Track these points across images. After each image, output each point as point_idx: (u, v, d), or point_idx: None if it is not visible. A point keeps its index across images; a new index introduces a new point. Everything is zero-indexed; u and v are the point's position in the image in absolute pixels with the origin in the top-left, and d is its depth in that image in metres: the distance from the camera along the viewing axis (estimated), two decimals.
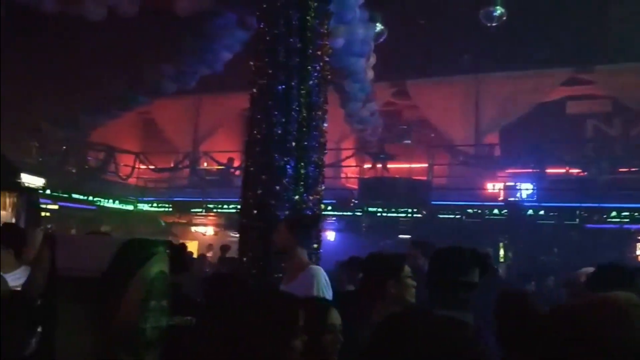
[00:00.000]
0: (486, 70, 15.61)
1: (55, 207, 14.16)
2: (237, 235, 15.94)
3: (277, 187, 5.73)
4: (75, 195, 14.72)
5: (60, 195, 13.98)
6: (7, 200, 7.55)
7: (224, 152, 17.39)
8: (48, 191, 12.81)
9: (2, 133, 12.63)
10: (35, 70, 13.83)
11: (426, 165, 15.34)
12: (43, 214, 10.98)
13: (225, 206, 16.39)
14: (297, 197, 6.13)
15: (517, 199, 14.03)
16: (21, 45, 12.74)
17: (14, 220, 7.50)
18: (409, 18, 14.05)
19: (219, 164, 17.37)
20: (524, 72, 15.15)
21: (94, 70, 13.62)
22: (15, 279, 4.35)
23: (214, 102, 18.25)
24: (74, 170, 15.44)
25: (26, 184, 8.21)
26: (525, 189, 14.17)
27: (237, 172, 16.64)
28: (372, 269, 3.20)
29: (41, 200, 10.93)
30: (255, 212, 5.91)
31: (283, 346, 1.85)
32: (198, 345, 1.99)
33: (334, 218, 14.40)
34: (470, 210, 13.77)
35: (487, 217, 13.62)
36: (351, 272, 5.59)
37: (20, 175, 8.34)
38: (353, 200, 14.13)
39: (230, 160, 17.29)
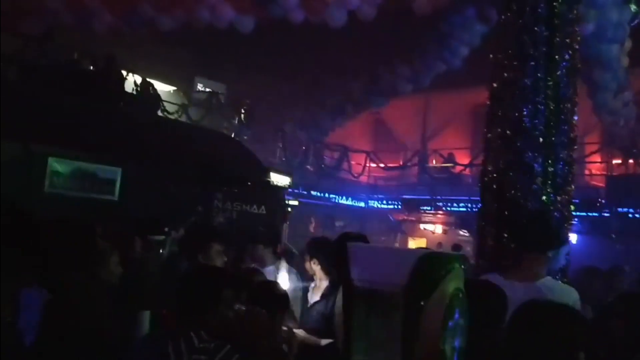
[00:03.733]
0: None
1: (296, 203, 15.25)
2: (467, 234, 15.56)
3: (533, 187, 5.38)
4: (313, 193, 15.72)
5: (301, 192, 15.01)
6: (260, 198, 8.24)
7: (454, 149, 17.13)
8: (290, 189, 13.89)
9: (251, 135, 13.99)
10: (281, 76, 15.05)
11: None
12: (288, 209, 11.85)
13: (455, 204, 16.15)
14: (544, 197, 5.70)
15: None
16: (269, 53, 13.93)
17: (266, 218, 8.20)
18: None
19: (445, 160, 17.20)
20: None
21: (335, 74, 14.36)
22: (270, 272, 4.74)
23: (443, 98, 18.06)
24: (312, 169, 16.47)
25: (275, 183, 8.86)
26: None
27: (467, 170, 16.30)
28: None
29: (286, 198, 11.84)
30: (505, 214, 5.60)
31: None
32: None
33: (576, 219, 13.27)
34: None
35: None
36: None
37: (270, 174, 9.02)
38: (600, 199, 12.90)
39: (451, 155, 17.01)
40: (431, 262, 1.43)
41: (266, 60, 14.58)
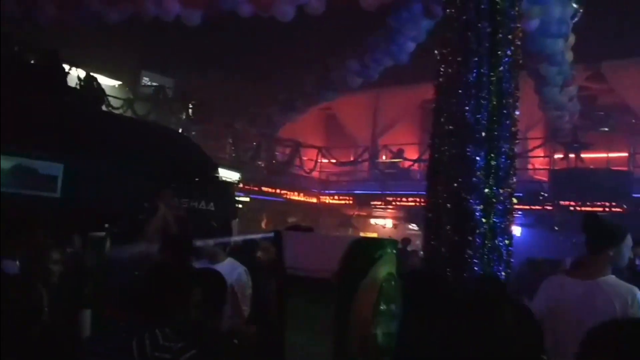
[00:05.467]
0: None
1: (247, 199, 15.18)
2: (416, 228, 15.80)
3: (474, 180, 5.48)
4: (265, 188, 15.66)
5: (252, 188, 14.94)
6: (209, 194, 8.14)
7: (404, 145, 17.36)
8: (240, 185, 13.80)
9: (202, 130, 13.83)
10: (231, 71, 14.90)
11: (627, 154, 13.94)
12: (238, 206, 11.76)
13: (404, 199, 16.37)
14: (487, 190, 5.83)
15: None
16: (218, 47, 13.78)
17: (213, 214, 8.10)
18: None
19: (394, 155, 17.44)
20: None
21: (286, 69, 14.32)
22: (220, 268, 4.70)
23: (394, 94, 18.26)
24: (263, 165, 16.41)
25: (224, 178, 8.78)
26: None
27: (416, 166, 16.56)
28: None
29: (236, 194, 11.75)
30: (447, 206, 5.70)
31: None
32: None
33: (520, 212, 13.64)
34: None
35: None
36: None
37: (218, 169, 8.93)
38: (542, 193, 13.28)
39: (400, 151, 17.25)
40: (362, 247, 1.44)
41: (216, 55, 14.42)
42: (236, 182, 9.19)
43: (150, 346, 2.26)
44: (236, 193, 11.01)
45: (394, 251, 1.51)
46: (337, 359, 1.38)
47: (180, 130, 12.63)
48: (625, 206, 12.48)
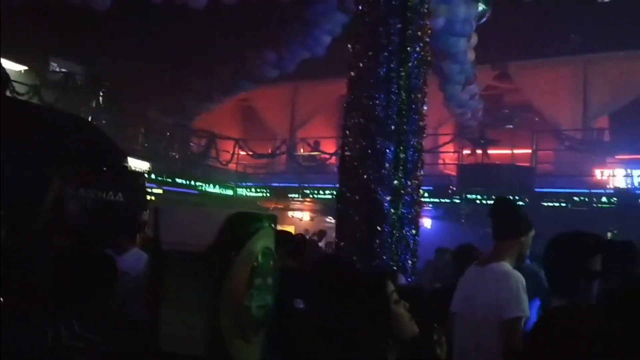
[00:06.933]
0: (595, 50, 14.68)
1: (160, 191, 14.82)
2: (333, 221, 16.02)
3: (383, 172, 5.64)
4: (178, 180, 15.34)
5: (165, 180, 14.60)
6: (117, 184, 7.89)
7: (321, 138, 17.51)
8: (153, 176, 13.45)
9: (112, 119, 13.37)
10: (144, 59, 14.48)
11: (530, 150, 14.71)
12: (149, 197, 11.46)
13: (321, 192, 16.51)
14: (396, 182, 6.01)
15: (628, 186, 13.17)
16: (131, 35, 13.37)
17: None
18: None
19: (312, 148, 17.56)
20: (635, 52, 14.10)
21: (202, 59, 14.08)
22: (127, 259, 4.61)
23: (311, 88, 18.40)
24: (177, 156, 16.07)
25: (134, 169, 8.54)
26: (638, 176, 13.29)
27: (333, 159, 16.75)
28: None
29: (147, 185, 11.44)
30: (357, 198, 5.84)
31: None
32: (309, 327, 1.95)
33: (430, 205, 14.12)
34: (576, 198, 13.09)
35: (594, 205, 12.90)
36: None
37: (127, 159, 8.67)
38: (451, 187, 13.80)
39: (317, 143, 17.40)
40: (239, 220, 1.45)
41: (129, 42, 13.97)
42: (145, 172, 8.93)
43: (67, 335, 2.22)
44: (147, 184, 10.72)
45: (272, 225, 1.54)
46: (212, 333, 1.39)
47: (89, 119, 12.15)
48: (527, 200, 13.15)
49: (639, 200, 12.54)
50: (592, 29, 13.67)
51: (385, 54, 5.99)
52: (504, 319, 2.87)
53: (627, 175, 13.50)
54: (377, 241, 5.55)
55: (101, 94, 13.47)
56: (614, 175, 13.87)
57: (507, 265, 3.03)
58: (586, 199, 13.01)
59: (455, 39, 9.87)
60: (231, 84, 13.80)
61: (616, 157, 14.24)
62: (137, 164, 8.53)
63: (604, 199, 13.00)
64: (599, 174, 14.29)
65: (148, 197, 10.45)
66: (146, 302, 1.69)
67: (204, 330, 1.38)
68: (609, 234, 12.52)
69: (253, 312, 1.43)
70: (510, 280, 2.96)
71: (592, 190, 13.31)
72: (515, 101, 17.17)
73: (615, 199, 12.81)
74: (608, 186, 13.60)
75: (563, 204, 12.93)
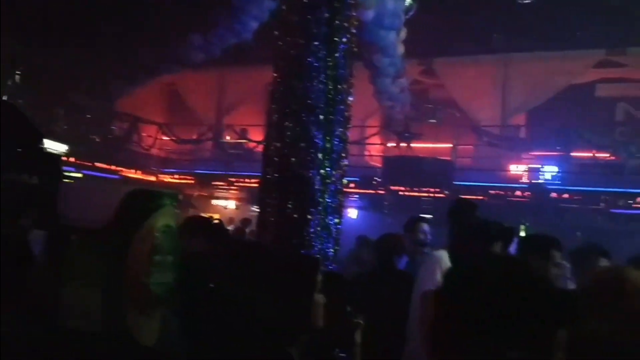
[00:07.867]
0: (516, 50, 15.30)
1: (80, 175, 14.29)
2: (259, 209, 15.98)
3: (314, 160, 5.68)
4: (98, 164, 14.84)
5: (84, 163, 14.09)
6: (31, 166, 7.55)
7: (249, 126, 17.36)
8: (72, 159, 12.95)
9: (28, 99, 12.75)
10: (66, 39, 13.86)
11: (451, 145, 15.18)
12: (67, 181, 11.03)
13: (247, 180, 16.41)
14: (323, 171, 6.04)
15: (541, 181, 13.86)
16: (53, 15, 12.77)
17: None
18: None
19: (239, 136, 17.40)
20: (554, 53, 14.81)
21: (125, 40, 13.63)
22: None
23: (240, 74, 18.16)
24: (98, 140, 15.54)
25: (49, 151, 8.19)
26: (549, 172, 14.00)
27: (260, 147, 16.64)
28: None
29: (65, 168, 11.02)
30: (284, 185, 5.83)
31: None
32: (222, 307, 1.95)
33: (356, 196, 14.35)
34: (493, 192, 13.64)
35: (509, 198, 13.50)
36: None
37: (43, 141, 8.32)
38: (376, 178, 14.05)
39: (244, 131, 17.27)
40: (139, 197, 1.44)
41: (50, 20, 13.31)
42: (62, 154, 8.57)
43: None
44: (65, 167, 10.32)
45: (174, 204, 1.53)
46: (111, 309, 1.37)
47: (4, 98, 11.54)
48: (447, 192, 13.59)
49: (551, 194, 13.21)
50: (514, 30, 14.25)
51: (315, 42, 6.00)
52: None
53: (540, 171, 14.18)
54: (307, 229, 5.58)
55: (18, 72, 12.80)
56: (527, 171, 14.55)
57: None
58: (502, 193, 13.59)
59: (385, 32, 10.00)
60: (155, 67, 13.45)
61: (531, 153, 14.94)
62: (54, 146, 8.17)
63: (518, 193, 13.62)
64: (514, 168, 14.97)
65: (65, 181, 10.09)
66: (46, 280, 1.65)
67: (103, 306, 1.36)
68: (522, 226, 13.16)
69: (152, 289, 1.41)
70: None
71: (508, 184, 13.92)
72: (440, 97, 17.63)
73: (528, 192, 13.45)
74: (521, 180, 14.27)
75: (480, 197, 13.45)
